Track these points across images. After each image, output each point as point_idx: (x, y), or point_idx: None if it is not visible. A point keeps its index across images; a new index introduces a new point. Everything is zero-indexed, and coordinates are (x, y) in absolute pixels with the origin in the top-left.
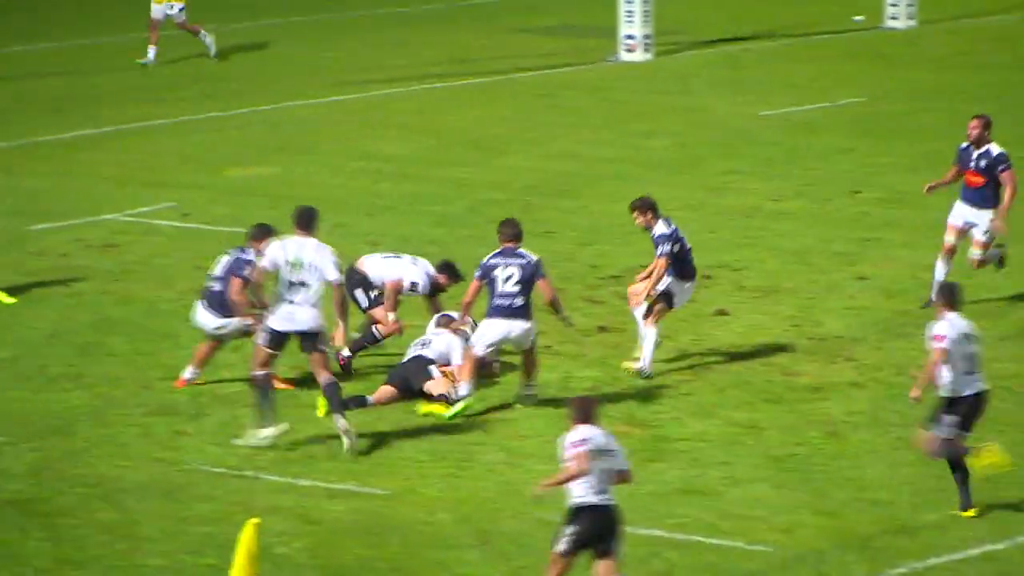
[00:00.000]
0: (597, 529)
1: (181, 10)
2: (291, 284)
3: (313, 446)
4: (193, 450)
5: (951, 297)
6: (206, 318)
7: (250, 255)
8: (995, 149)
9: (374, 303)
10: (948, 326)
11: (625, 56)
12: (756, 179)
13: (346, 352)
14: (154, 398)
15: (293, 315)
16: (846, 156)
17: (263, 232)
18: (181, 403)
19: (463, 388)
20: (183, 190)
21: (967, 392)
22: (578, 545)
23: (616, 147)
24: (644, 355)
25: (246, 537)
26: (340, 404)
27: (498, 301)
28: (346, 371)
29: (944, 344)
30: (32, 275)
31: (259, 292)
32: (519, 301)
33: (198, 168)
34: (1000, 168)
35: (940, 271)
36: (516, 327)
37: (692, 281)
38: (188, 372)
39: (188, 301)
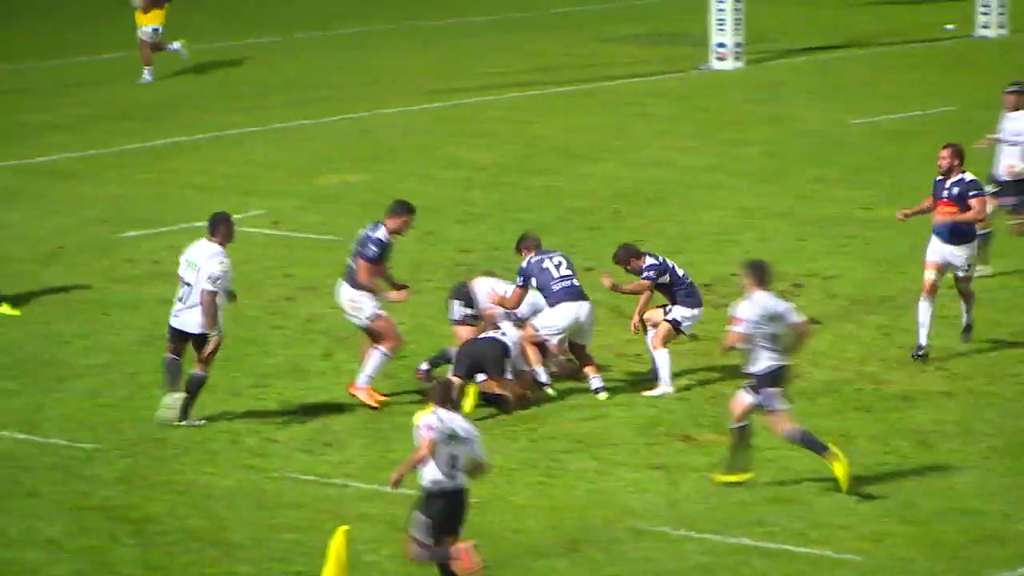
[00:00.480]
0: (447, 513)
1: (155, 31)
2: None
3: (402, 453)
4: (282, 457)
5: (761, 275)
6: (341, 292)
7: (379, 231)
8: (968, 176)
9: (463, 321)
10: (751, 306)
11: (716, 64)
12: (846, 187)
13: (424, 366)
14: (243, 404)
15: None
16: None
17: (401, 208)
18: (270, 411)
19: (542, 375)
20: (273, 198)
21: (762, 368)
22: (436, 532)
23: (706, 155)
24: (662, 378)
25: (336, 544)
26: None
27: (560, 285)
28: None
29: (742, 328)
30: (124, 282)
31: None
32: (577, 282)
33: (288, 176)
34: (971, 194)
35: (924, 314)
36: (584, 307)
37: (699, 308)
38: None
39: (276, 308)
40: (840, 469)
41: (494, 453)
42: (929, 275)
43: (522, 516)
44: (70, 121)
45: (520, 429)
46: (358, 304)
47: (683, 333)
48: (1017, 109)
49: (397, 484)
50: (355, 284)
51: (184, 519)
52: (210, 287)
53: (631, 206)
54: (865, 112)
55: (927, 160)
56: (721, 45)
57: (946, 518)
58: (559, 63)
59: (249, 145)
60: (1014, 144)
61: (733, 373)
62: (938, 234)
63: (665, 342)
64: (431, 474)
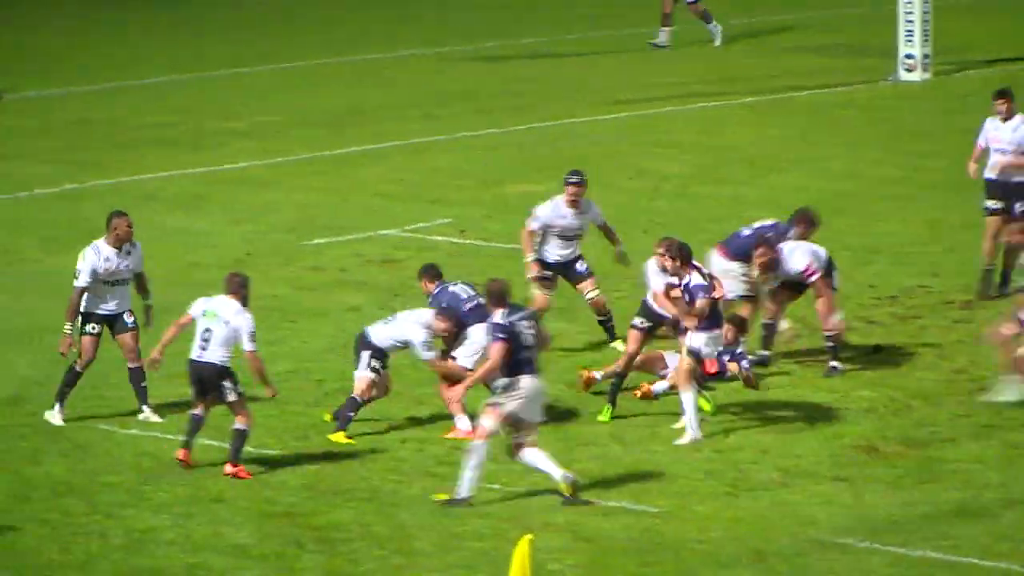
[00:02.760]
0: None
1: None
2: None
3: (588, 463)
4: None
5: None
6: None
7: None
8: None
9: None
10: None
11: (904, 75)
12: None
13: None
14: (428, 411)
15: None
16: None
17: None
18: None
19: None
20: (460, 206)
21: None
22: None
23: (894, 167)
24: (689, 423)
25: (521, 553)
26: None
27: None
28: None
29: None
30: (310, 289)
31: None
32: None
33: (474, 184)
34: None
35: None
36: None
37: (719, 329)
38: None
39: None
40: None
41: (679, 463)
42: None
43: (707, 527)
44: (255, 129)
45: (704, 440)
46: None
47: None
48: None
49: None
50: None
51: (369, 526)
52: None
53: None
54: None
55: None
56: (909, 56)
57: None
58: (744, 74)
59: (435, 153)
60: None
61: (917, 389)
62: None
63: (690, 380)
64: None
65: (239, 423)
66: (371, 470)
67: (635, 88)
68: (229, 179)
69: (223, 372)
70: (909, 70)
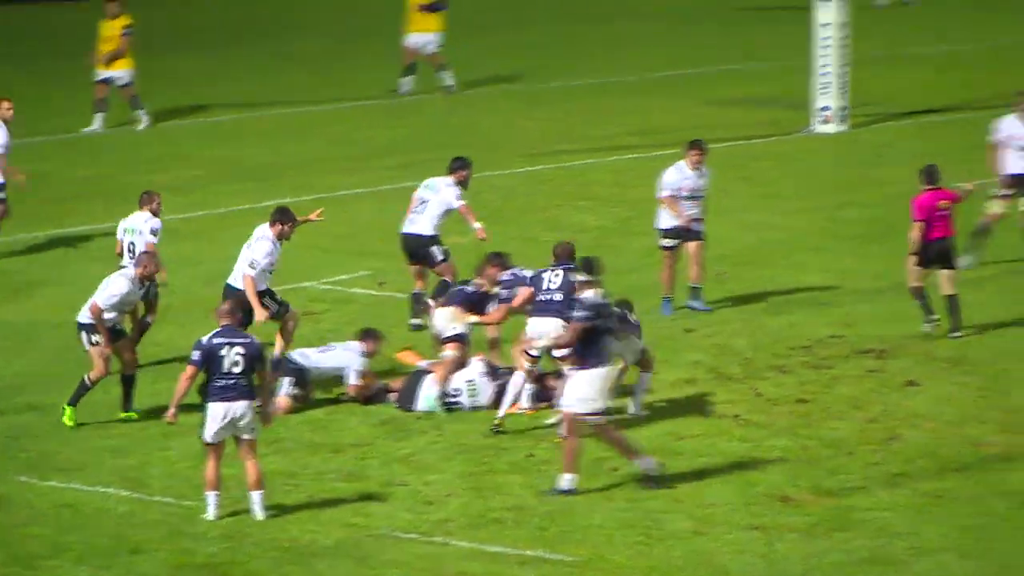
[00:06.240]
0: None
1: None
2: None
3: (503, 512)
4: (384, 516)
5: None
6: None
7: None
8: None
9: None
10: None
11: (820, 127)
12: None
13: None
14: (345, 464)
15: None
16: None
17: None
18: (371, 468)
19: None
20: (380, 258)
21: None
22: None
23: (810, 218)
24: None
25: None
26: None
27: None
28: None
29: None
30: None
31: None
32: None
33: (395, 236)
34: None
35: None
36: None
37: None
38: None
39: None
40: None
41: (593, 512)
42: None
43: None
44: (178, 182)
45: (616, 491)
46: None
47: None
48: None
49: None
50: None
51: None
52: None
53: (734, 268)
54: (969, 176)
55: None
56: (825, 108)
57: None
58: (662, 126)
59: (357, 206)
60: None
61: (830, 438)
62: None
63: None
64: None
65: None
66: (290, 520)
67: (554, 140)
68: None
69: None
70: (825, 122)
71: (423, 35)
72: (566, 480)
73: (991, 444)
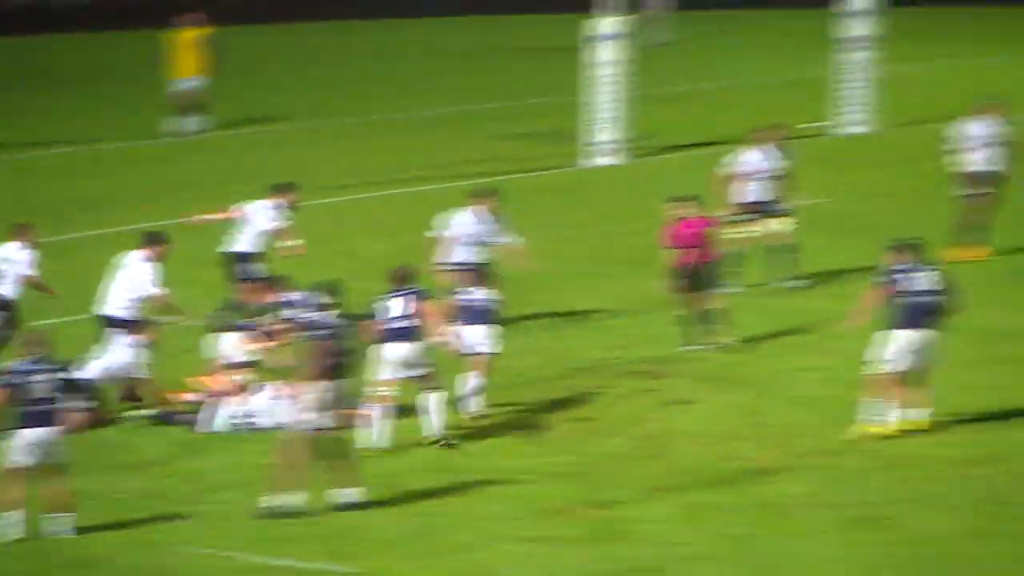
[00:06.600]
0: None
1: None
2: None
3: (286, 526)
4: (184, 532)
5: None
6: None
7: None
8: None
9: None
10: None
11: (599, 160)
12: None
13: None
14: (146, 483)
15: None
16: None
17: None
18: (171, 488)
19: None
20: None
21: None
22: None
23: (586, 246)
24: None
25: None
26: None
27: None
28: None
29: None
30: None
31: None
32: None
33: (192, 269)
34: None
35: None
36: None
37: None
38: None
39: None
40: None
41: (378, 524)
42: None
43: None
44: None
45: (407, 506)
46: None
47: None
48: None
49: None
50: None
51: None
52: None
53: (514, 295)
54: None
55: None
56: (605, 142)
57: None
58: (449, 160)
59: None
60: None
61: (605, 453)
62: None
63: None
64: None
65: None
66: (90, 538)
67: (347, 174)
68: None
69: None
70: (604, 155)
71: (188, 79)
72: (350, 493)
73: (748, 458)
